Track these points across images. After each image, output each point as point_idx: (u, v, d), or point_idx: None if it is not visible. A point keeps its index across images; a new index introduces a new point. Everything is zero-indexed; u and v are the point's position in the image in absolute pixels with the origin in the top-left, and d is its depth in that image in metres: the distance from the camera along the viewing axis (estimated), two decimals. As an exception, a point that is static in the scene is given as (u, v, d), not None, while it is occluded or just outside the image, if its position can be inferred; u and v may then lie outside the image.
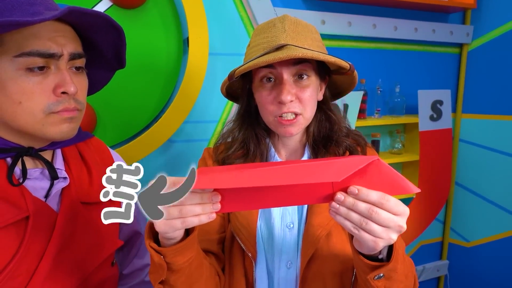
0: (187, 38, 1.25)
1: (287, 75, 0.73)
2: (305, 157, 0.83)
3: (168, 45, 1.25)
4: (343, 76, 0.81)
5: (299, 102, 0.74)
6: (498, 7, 1.75)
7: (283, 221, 0.79)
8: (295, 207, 0.80)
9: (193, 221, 0.51)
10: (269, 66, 0.72)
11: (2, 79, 0.57)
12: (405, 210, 0.52)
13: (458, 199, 2.02)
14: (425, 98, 1.71)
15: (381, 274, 0.59)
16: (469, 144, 1.95)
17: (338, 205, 0.52)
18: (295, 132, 0.76)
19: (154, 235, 0.60)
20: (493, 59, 1.80)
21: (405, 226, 0.52)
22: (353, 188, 0.51)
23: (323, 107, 0.83)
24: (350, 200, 0.51)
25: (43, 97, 0.59)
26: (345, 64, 0.72)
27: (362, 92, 1.53)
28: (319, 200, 0.53)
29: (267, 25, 0.77)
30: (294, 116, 0.74)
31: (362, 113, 1.62)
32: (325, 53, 0.74)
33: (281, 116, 0.74)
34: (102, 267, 0.74)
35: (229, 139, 0.86)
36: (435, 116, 1.74)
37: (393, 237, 0.52)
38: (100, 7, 1.14)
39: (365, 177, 0.51)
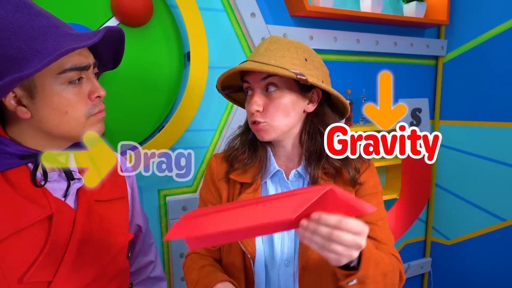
0: (188, 53, 1.34)
1: (256, 88, 0.82)
2: (301, 166, 0.87)
3: (171, 59, 1.34)
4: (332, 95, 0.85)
5: (264, 112, 0.81)
6: (468, 23, 1.89)
7: None
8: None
9: None
10: (246, 81, 0.83)
11: (48, 95, 0.64)
12: (363, 229, 0.57)
13: (439, 200, 2.12)
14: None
15: (354, 280, 0.66)
16: (447, 149, 2.05)
17: (303, 232, 0.57)
18: (266, 137, 0.83)
19: None
20: (466, 69, 1.92)
21: (363, 244, 0.57)
22: (315, 215, 0.56)
23: (314, 121, 0.86)
24: (312, 225, 0.56)
25: (83, 104, 0.67)
26: (287, 73, 0.75)
27: (348, 102, 1.64)
28: (285, 228, 0.59)
29: None
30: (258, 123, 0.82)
31: (348, 121, 1.72)
32: (302, 66, 0.78)
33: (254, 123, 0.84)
34: (117, 259, 0.79)
35: (237, 142, 0.93)
36: (414, 122, 1.84)
37: (354, 254, 0.58)
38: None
39: (325, 204, 0.55)
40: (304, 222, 0.56)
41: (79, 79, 0.67)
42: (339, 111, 0.91)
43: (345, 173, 0.85)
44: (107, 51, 0.79)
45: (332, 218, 0.55)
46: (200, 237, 0.56)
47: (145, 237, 1.02)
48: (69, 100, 0.65)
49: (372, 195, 0.88)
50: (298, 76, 0.76)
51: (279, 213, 0.54)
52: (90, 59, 0.69)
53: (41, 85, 0.63)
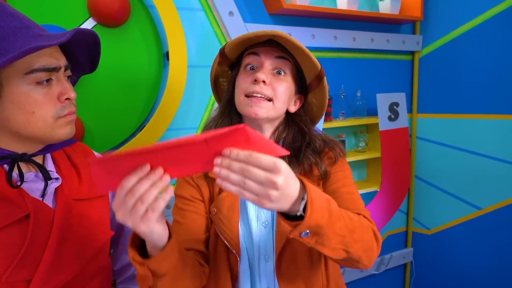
0: (167, 53, 1.35)
1: (267, 63, 0.81)
2: None
3: (150, 59, 1.34)
4: (316, 98, 0.89)
5: (272, 89, 0.80)
6: (442, 19, 1.94)
7: (259, 220, 0.87)
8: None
9: (148, 198, 0.54)
10: (255, 53, 0.81)
11: (15, 94, 0.64)
12: (276, 165, 0.53)
13: (418, 191, 2.17)
14: (383, 100, 1.85)
15: (307, 231, 0.61)
16: (425, 141, 2.11)
17: (219, 169, 0.54)
18: (261, 114, 0.80)
19: (138, 247, 0.65)
20: (441, 64, 1.97)
21: (279, 182, 0.53)
22: (225, 151, 0.54)
23: (296, 119, 0.89)
24: (226, 161, 0.54)
25: (51, 105, 0.68)
26: (317, 62, 0.81)
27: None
28: (203, 166, 0.56)
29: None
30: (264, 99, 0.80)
31: (328, 116, 1.75)
32: None
33: (251, 96, 0.80)
34: (98, 256, 0.80)
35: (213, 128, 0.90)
36: (392, 116, 1.89)
37: (273, 193, 0.53)
38: (85, 27, 1.22)
39: (237, 143, 0.54)
40: (218, 159, 0.55)
41: (48, 80, 0.67)
42: (311, 117, 0.95)
43: (316, 170, 0.87)
44: (83, 55, 0.80)
45: (242, 152, 0.53)
46: (109, 164, 0.54)
47: (127, 235, 1.02)
48: (36, 101, 0.66)
49: (341, 172, 0.89)
50: (321, 69, 0.82)
51: (191, 140, 0.52)
52: (61, 61, 0.69)
53: (8, 84, 0.64)
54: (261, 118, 0.81)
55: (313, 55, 0.80)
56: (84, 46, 0.77)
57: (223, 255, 0.86)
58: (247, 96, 0.81)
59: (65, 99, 0.69)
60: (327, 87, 0.87)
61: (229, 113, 0.89)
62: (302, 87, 0.88)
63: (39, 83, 0.66)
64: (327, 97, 0.88)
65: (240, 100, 0.83)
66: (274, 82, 0.81)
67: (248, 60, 0.83)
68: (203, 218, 0.89)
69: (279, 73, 0.82)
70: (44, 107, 0.67)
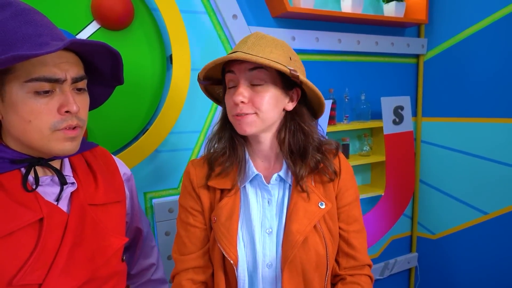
0: (171, 56, 1.34)
1: (242, 80, 0.80)
2: (283, 170, 0.88)
3: (153, 62, 1.34)
4: (312, 95, 0.86)
5: (252, 105, 0.80)
6: (447, 22, 1.93)
7: (263, 227, 0.86)
8: (274, 214, 0.86)
9: None
10: (231, 72, 0.81)
11: (14, 101, 0.64)
12: None
13: (423, 196, 2.15)
14: (387, 104, 1.84)
15: None
16: (430, 145, 2.09)
17: None
18: (249, 131, 0.81)
19: None
20: (446, 67, 1.96)
21: None
22: None
23: (296, 119, 0.87)
24: None
25: (50, 116, 0.66)
26: (283, 68, 0.76)
27: (331, 101, 1.65)
28: None
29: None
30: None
31: (332, 120, 1.74)
32: (287, 65, 0.79)
33: (237, 115, 0.81)
34: (111, 262, 0.79)
35: (215, 141, 0.92)
36: (397, 120, 1.87)
37: None
38: (89, 30, 1.22)
39: None
40: None
41: (49, 91, 0.66)
42: (313, 112, 0.93)
43: (324, 172, 0.88)
44: (104, 66, 0.79)
45: None
46: None
47: (146, 240, 1.03)
48: (32, 110, 0.65)
49: (353, 204, 0.93)
50: (292, 72, 0.78)
51: None
52: (70, 72, 0.68)
53: (9, 89, 0.64)
54: (250, 134, 0.84)
55: (276, 64, 0.76)
56: (103, 58, 0.75)
57: (219, 261, 0.87)
58: (233, 115, 0.83)
59: (65, 112, 0.68)
60: (310, 83, 0.82)
61: (231, 127, 0.90)
62: (292, 82, 0.84)
63: (37, 92, 0.65)
64: (317, 91, 0.84)
65: (231, 119, 0.85)
66: (254, 97, 0.80)
67: (228, 78, 0.84)
68: (203, 230, 0.91)
69: (256, 85, 0.80)
70: (40, 117, 0.65)
